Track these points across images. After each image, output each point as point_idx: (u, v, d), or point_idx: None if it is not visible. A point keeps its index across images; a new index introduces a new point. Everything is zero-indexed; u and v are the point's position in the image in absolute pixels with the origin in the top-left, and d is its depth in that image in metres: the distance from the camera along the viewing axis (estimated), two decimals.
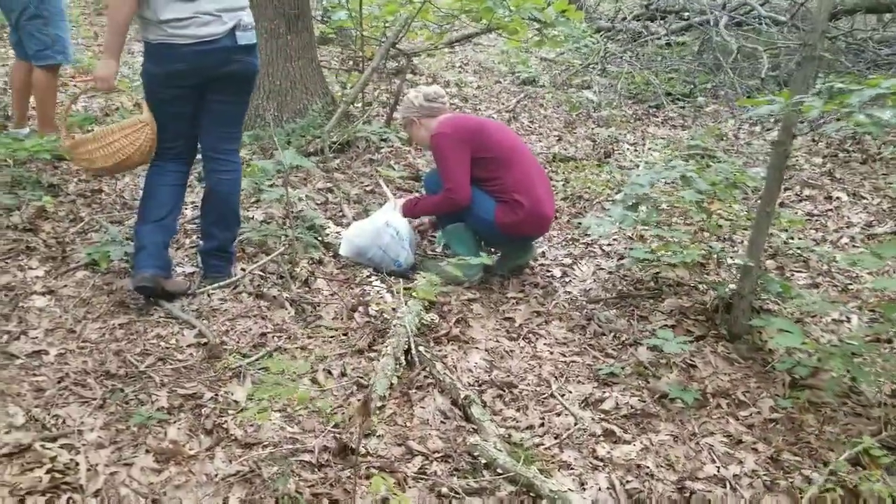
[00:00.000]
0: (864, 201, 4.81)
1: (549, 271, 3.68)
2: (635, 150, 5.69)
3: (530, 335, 3.09)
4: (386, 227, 3.41)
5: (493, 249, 3.68)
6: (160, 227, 3.12)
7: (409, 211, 3.53)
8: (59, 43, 4.48)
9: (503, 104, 7.05)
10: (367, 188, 4.55)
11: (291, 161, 3.69)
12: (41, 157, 4.15)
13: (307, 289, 3.31)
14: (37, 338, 2.84)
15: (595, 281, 3.59)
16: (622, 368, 2.84)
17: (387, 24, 6.35)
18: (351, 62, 8.06)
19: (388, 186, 3.99)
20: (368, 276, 3.42)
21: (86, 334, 2.88)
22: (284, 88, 5.00)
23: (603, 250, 3.91)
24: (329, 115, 5.07)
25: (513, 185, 3.27)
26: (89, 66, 7.20)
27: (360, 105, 5.73)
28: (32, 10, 4.33)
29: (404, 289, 3.29)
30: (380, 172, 4.63)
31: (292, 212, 3.80)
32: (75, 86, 6.68)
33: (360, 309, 3.14)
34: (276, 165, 3.97)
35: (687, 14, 9.11)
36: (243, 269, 3.39)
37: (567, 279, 3.61)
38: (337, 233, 3.69)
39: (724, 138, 6.02)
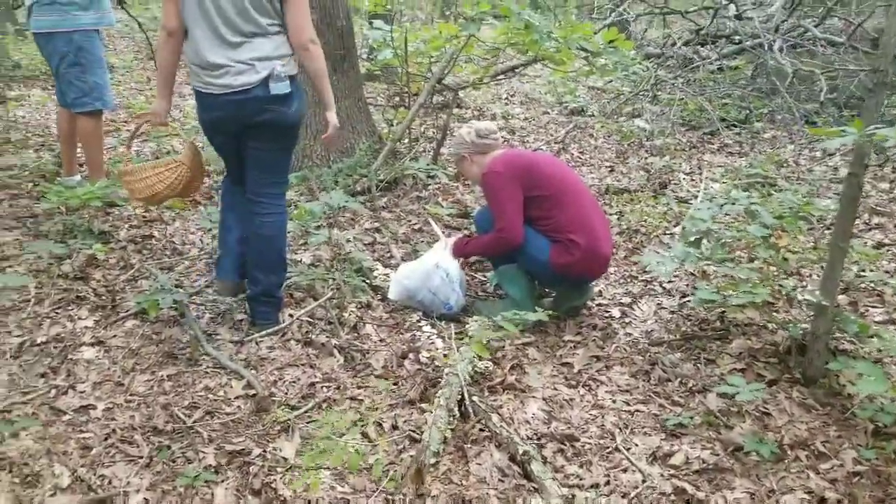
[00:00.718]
0: None
1: (607, 311, 3.53)
2: (692, 180, 5.51)
3: (590, 382, 2.94)
4: (436, 268, 3.30)
5: (547, 290, 3.55)
6: (241, 238, 3.29)
7: (460, 251, 3.42)
8: (96, 90, 4.53)
9: (552, 135, 6.94)
10: (415, 227, 4.47)
11: (338, 202, 3.63)
12: (93, 205, 4.16)
13: (356, 334, 3.22)
14: (84, 392, 2.79)
15: (657, 321, 3.42)
16: (691, 418, 2.66)
17: (432, 60, 6.32)
18: (397, 98, 8.06)
19: (438, 225, 3.88)
20: (418, 321, 3.32)
21: (134, 387, 2.83)
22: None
23: (663, 288, 3.73)
24: (376, 154, 5.03)
25: (568, 224, 3.14)
26: (140, 110, 7.35)
27: (406, 142, 5.68)
28: (71, 57, 4.40)
29: (456, 333, 3.19)
30: (428, 210, 4.55)
31: (340, 254, 3.74)
32: (127, 130, 6.80)
33: (411, 356, 3.03)
34: (323, 207, 3.92)
35: (738, 38, 8.91)
36: (291, 315, 3.32)
37: (627, 320, 3.45)
38: (385, 275, 3.60)
39: (785, 165, 5.80)
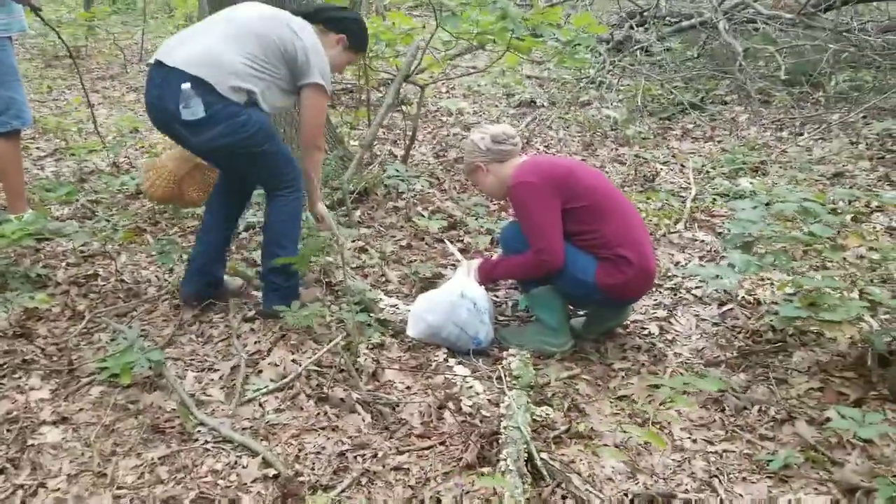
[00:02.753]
0: None
1: (644, 328, 3.17)
2: (670, 170, 5.23)
3: (658, 418, 2.56)
4: (461, 298, 2.85)
5: (577, 310, 3.17)
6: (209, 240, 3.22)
7: (487, 276, 2.97)
8: (13, 106, 3.88)
9: None
10: (402, 242, 4.00)
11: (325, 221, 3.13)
12: (24, 244, 3.51)
13: (377, 383, 2.75)
14: (59, 489, 2.23)
15: (703, 336, 3.08)
16: (793, 456, 2.31)
17: (372, 55, 5.79)
18: (346, 96, 7.49)
19: (453, 244, 3.43)
20: (446, 360, 2.86)
21: (120, 477, 2.28)
22: (290, 136, 4.42)
23: (695, 296, 3.40)
24: (342, 162, 4.52)
25: (615, 238, 2.74)
26: (46, 125, 6.53)
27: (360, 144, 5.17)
28: None
29: (489, 369, 2.77)
30: (416, 224, 4.09)
31: (332, 284, 3.25)
32: (37, 148, 6.01)
33: (450, 405, 2.58)
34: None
35: (669, 19, 8.77)
36: (295, 362, 2.82)
37: (669, 336, 3.10)
38: (393, 306, 3.12)
39: (757, 148, 5.59)
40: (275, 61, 2.84)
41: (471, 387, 2.65)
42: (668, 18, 8.95)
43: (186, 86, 2.71)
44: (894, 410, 2.53)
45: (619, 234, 2.74)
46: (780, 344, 2.94)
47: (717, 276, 2.64)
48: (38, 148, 6.10)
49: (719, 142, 5.91)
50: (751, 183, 4.10)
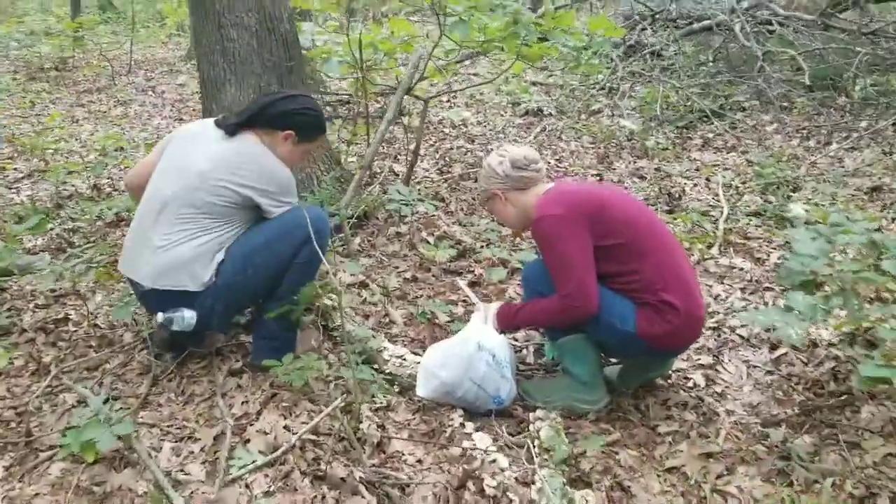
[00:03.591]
0: None
1: (688, 378, 2.77)
2: (694, 185, 4.84)
3: (717, 496, 2.17)
4: (479, 350, 2.46)
5: (610, 358, 2.77)
6: None
7: (508, 322, 2.56)
8: None
9: (517, 141, 6.17)
10: (406, 275, 3.60)
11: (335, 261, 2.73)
12: None
13: (382, 455, 2.35)
14: None
15: (756, 388, 2.69)
16: None
17: (378, 65, 5.42)
18: (330, 109, 7.12)
19: (465, 283, 3.04)
20: (462, 425, 2.46)
21: None
22: None
23: (741, 336, 3.01)
24: (339, 183, 4.13)
25: (658, 280, 2.33)
26: (24, 144, 6.14)
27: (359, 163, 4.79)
28: None
29: (512, 435, 2.39)
30: (421, 253, 3.69)
31: (330, 329, 2.85)
32: (15, 169, 5.63)
33: (470, 486, 2.19)
34: None
35: (680, 21, 8.39)
36: (288, 429, 2.43)
37: (717, 388, 2.70)
38: (400, 358, 2.73)
39: (786, 159, 5.21)
40: (230, 215, 2.60)
41: (494, 461, 2.25)
42: (678, 21, 8.59)
43: (159, 317, 2.60)
44: None
45: (662, 275, 2.34)
46: (844, 397, 2.54)
47: (779, 324, 2.25)
48: (15, 169, 5.71)
49: (743, 152, 5.52)
50: (806, 210, 3.69)
